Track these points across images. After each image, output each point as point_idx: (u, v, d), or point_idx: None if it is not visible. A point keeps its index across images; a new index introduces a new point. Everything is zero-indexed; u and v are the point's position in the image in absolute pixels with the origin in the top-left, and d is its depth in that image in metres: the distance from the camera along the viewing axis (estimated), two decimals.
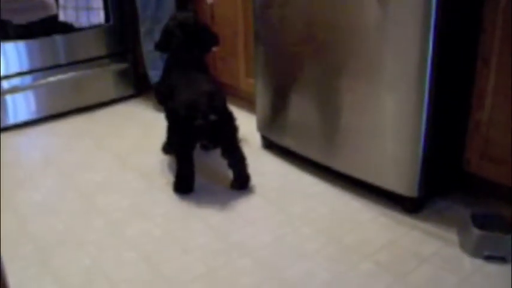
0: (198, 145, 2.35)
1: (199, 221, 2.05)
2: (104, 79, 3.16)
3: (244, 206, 2.14)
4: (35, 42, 2.88)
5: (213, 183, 2.32)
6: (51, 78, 2.97)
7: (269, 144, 2.60)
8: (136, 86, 3.30)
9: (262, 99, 2.51)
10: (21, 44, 2.83)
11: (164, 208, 2.15)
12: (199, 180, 2.29)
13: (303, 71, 2.22)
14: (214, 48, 2.91)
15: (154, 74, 3.01)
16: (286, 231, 1.97)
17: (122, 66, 3.20)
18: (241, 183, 2.25)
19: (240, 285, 1.71)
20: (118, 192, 2.28)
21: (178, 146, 2.24)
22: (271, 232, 1.98)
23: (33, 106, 2.96)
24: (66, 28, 2.93)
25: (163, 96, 2.37)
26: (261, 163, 2.47)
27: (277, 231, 1.98)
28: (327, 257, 1.83)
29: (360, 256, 1.83)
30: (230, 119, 2.20)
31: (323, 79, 2.14)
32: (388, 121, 1.97)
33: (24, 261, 1.86)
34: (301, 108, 2.29)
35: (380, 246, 1.88)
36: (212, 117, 2.08)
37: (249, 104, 3.00)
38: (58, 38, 2.94)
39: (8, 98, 2.86)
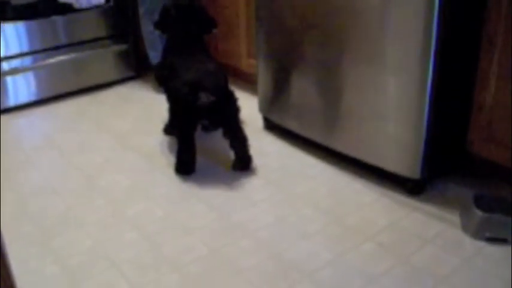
0: (199, 126, 2.34)
1: (201, 202, 2.05)
2: (104, 60, 3.14)
3: (246, 187, 2.13)
4: (34, 23, 2.85)
5: (215, 164, 2.31)
6: (51, 60, 2.95)
7: (271, 126, 2.58)
8: (137, 67, 3.28)
9: (264, 80, 2.49)
10: (20, 25, 2.81)
11: (165, 189, 2.15)
12: (200, 161, 2.28)
13: (305, 52, 2.20)
14: (213, 30, 2.89)
15: (154, 56, 2.99)
16: (288, 212, 1.97)
17: (122, 47, 3.18)
18: (243, 164, 2.24)
19: (242, 266, 1.71)
20: (119, 172, 2.28)
21: (180, 127, 2.23)
22: (272, 213, 1.97)
23: (33, 88, 2.94)
24: (66, 9, 2.90)
25: (163, 77, 2.35)
26: (262, 144, 2.46)
27: (278, 212, 1.97)
28: (328, 237, 1.83)
29: (362, 237, 1.82)
30: (232, 100, 2.18)
31: (325, 60, 2.12)
32: (391, 102, 1.95)
33: (25, 241, 1.86)
34: (303, 89, 2.27)
35: (382, 227, 1.87)
36: (213, 97, 2.07)
37: (250, 85, 2.99)
38: (58, 19, 2.92)
39: (8, 79, 2.85)
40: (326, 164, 2.27)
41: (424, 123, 1.90)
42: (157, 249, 1.80)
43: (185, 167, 2.23)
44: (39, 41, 2.89)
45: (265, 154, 2.37)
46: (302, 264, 1.71)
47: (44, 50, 2.93)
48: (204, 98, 2.05)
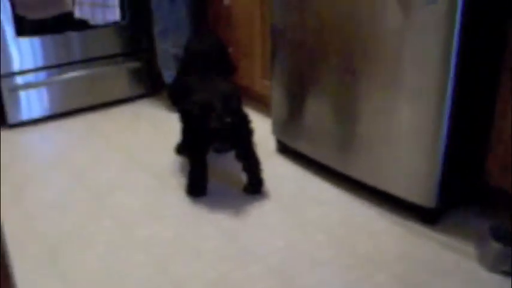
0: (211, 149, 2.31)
1: (211, 225, 2.01)
2: (118, 77, 3.13)
3: (257, 211, 2.10)
4: (49, 38, 2.85)
5: (226, 186, 2.28)
6: (65, 75, 2.95)
7: (284, 148, 2.55)
8: (150, 85, 3.27)
9: (277, 102, 2.47)
10: (35, 40, 2.81)
11: (175, 210, 2.12)
12: (211, 182, 2.25)
13: (321, 74, 2.17)
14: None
15: (168, 74, 2.98)
16: (299, 238, 1.93)
17: (136, 64, 3.17)
18: (255, 187, 2.21)
19: None
20: (129, 192, 2.25)
21: (192, 148, 2.20)
22: (283, 238, 1.93)
23: (45, 103, 2.94)
24: (81, 25, 2.90)
25: (177, 96, 2.34)
26: (274, 167, 2.43)
27: (289, 237, 1.93)
28: (340, 266, 1.79)
29: (375, 266, 1.78)
30: (245, 122, 2.15)
31: (341, 84, 2.10)
32: (407, 129, 1.92)
33: (32, 261, 1.84)
34: (317, 112, 2.24)
35: (395, 257, 1.83)
36: (227, 119, 2.04)
37: (263, 107, 2.96)
38: (73, 35, 2.92)
39: (22, 93, 2.85)
40: (339, 190, 2.23)
41: (441, 151, 1.86)
42: (165, 273, 1.77)
43: (196, 189, 2.20)
44: (54, 56, 2.90)
45: (277, 177, 2.34)
46: None
47: (58, 66, 2.92)
48: (217, 120, 2.02)
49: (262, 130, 2.67)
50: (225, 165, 2.43)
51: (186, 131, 2.28)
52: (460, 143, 1.92)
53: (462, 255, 1.83)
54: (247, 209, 2.11)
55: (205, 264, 1.80)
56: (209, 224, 2.02)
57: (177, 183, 2.30)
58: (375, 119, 2.01)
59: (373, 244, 1.89)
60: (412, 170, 1.94)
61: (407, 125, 1.91)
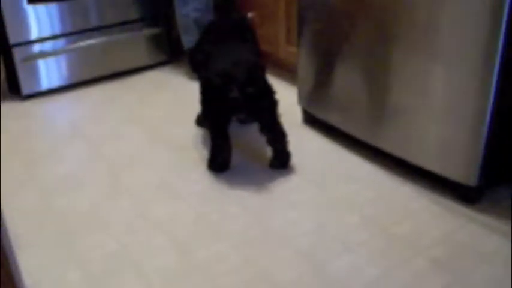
0: (234, 119, 2.18)
1: (235, 204, 1.89)
2: (136, 44, 2.99)
3: (284, 188, 1.97)
4: (63, 5, 2.71)
5: (251, 161, 2.15)
6: (81, 43, 2.82)
7: (311, 119, 2.40)
8: (170, 52, 3.13)
9: (304, 70, 2.30)
10: (48, 7, 2.68)
11: (197, 187, 2.00)
12: (235, 157, 2.13)
13: (353, 40, 2.00)
14: (250, 14, 2.73)
15: (188, 40, 2.84)
16: (329, 219, 1.80)
17: (155, 31, 3.02)
18: (281, 162, 2.07)
19: (280, 280, 1.56)
20: (148, 168, 2.14)
21: (213, 120, 2.06)
22: (312, 219, 1.80)
23: (61, 72, 2.82)
24: None
25: (197, 64, 2.19)
26: (301, 140, 2.29)
27: (319, 218, 1.80)
28: (374, 249, 1.66)
29: (412, 250, 1.65)
30: (269, 92, 2.00)
31: (375, 50, 1.93)
32: (447, 101, 1.75)
33: (47, 243, 1.74)
34: (348, 81, 2.08)
35: (434, 239, 1.69)
36: (249, 89, 1.89)
37: (289, 74, 2.81)
38: (89, 1, 2.77)
39: (36, 63, 2.73)
40: (371, 165, 2.09)
41: (485, 124, 1.70)
42: (187, 257, 1.66)
43: (219, 163, 2.07)
44: (71, 23, 2.77)
45: (305, 151, 2.20)
46: (344, 280, 1.54)
47: (74, 34, 2.80)
48: (238, 91, 1.88)
49: (288, 100, 2.52)
50: (249, 139, 2.30)
51: (206, 101, 2.13)
52: (507, 116, 1.75)
53: (506, 237, 1.68)
54: (273, 186, 1.98)
55: (229, 248, 1.69)
56: (233, 203, 1.90)
57: (198, 157, 2.18)
58: (410, 89, 1.84)
59: (409, 225, 1.75)
60: (452, 145, 1.78)
61: (447, 96, 1.75)
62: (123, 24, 2.91)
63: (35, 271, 1.62)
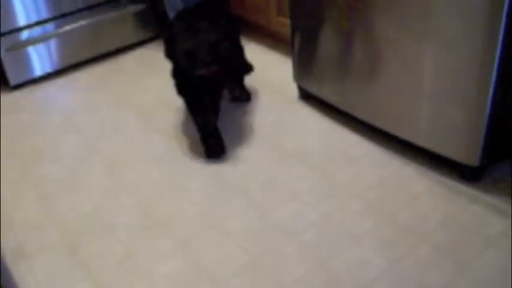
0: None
1: (237, 196, 1.88)
2: (122, 22, 2.90)
3: (286, 175, 1.95)
4: None
5: (249, 147, 2.13)
6: (66, 27, 2.73)
7: (307, 95, 2.36)
8: (157, 27, 3.03)
9: (299, 44, 2.23)
10: None
11: (197, 181, 1.98)
12: (233, 144, 2.10)
13: (351, 12, 1.92)
14: None
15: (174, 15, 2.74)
16: (333, 208, 1.79)
17: (140, 7, 2.92)
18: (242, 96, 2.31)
19: (287, 278, 1.56)
20: (146, 162, 2.11)
21: (187, 98, 2.08)
22: (315, 209, 1.80)
23: (50, 58, 2.75)
24: None
25: (167, 39, 2.17)
26: (298, 119, 2.25)
27: (322, 207, 1.80)
28: (380, 240, 1.66)
29: (417, 238, 1.65)
30: (239, 66, 2.16)
31: (374, 27, 1.86)
32: (448, 80, 1.71)
33: (50, 251, 1.74)
34: (346, 57, 2.02)
35: (438, 224, 1.69)
36: (213, 67, 1.95)
37: (283, 46, 2.74)
38: None
39: (21, 52, 2.66)
40: (371, 144, 2.06)
41: (488, 105, 1.66)
42: (193, 258, 1.66)
43: (215, 148, 2.06)
44: (50, 8, 2.66)
45: (303, 132, 2.17)
46: (354, 274, 1.55)
47: (60, 17, 2.70)
48: (201, 68, 1.95)
49: (282, 73, 2.47)
50: (247, 123, 2.26)
51: (178, 81, 2.12)
52: (509, 93, 1.71)
53: (509, 218, 1.68)
54: (274, 173, 1.96)
55: (234, 246, 1.69)
56: (235, 195, 1.89)
57: (196, 146, 2.15)
58: (411, 67, 1.80)
59: (412, 210, 1.75)
60: (454, 125, 1.75)
61: (449, 75, 1.70)
62: (107, 3, 2.81)
63: (43, 282, 1.62)
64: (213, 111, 2.10)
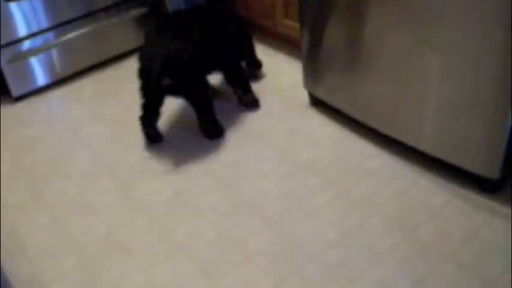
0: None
1: (255, 216, 1.85)
2: (124, 27, 2.84)
3: (302, 189, 1.92)
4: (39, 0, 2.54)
5: (261, 160, 2.10)
6: (68, 35, 2.68)
7: (318, 101, 2.32)
8: None
9: (309, 50, 2.18)
10: (25, 4, 2.50)
11: (213, 198, 1.94)
12: (245, 157, 2.07)
13: (362, 19, 1.87)
14: None
15: None
16: (352, 225, 1.77)
17: (141, 10, 2.86)
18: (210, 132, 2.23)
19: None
20: (158, 178, 2.07)
21: (144, 100, 2.16)
22: (335, 226, 1.77)
23: (52, 68, 2.70)
24: None
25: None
26: (310, 127, 2.22)
27: (341, 225, 1.77)
28: (402, 257, 1.64)
29: (440, 255, 1.63)
30: (196, 81, 2.09)
31: (388, 32, 1.80)
32: (468, 92, 1.67)
33: (69, 278, 1.71)
34: (358, 64, 1.97)
35: (460, 240, 1.67)
36: (166, 81, 1.99)
37: (291, 47, 2.68)
38: None
39: (23, 63, 2.61)
40: (386, 154, 2.03)
41: (509, 116, 1.63)
42: (216, 283, 1.63)
43: (151, 136, 2.23)
44: (50, 18, 2.60)
45: (315, 141, 2.14)
46: None
47: (60, 26, 2.64)
48: (155, 82, 1.99)
49: (292, 76, 2.43)
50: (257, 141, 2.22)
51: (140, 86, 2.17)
52: None
53: None
54: (290, 187, 1.93)
55: (256, 270, 1.67)
56: (253, 215, 1.86)
57: (213, 162, 2.12)
58: (426, 76, 1.76)
59: (433, 225, 1.73)
60: (473, 136, 1.72)
61: (467, 87, 1.67)
62: (108, 8, 2.75)
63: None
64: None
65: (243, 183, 1.99)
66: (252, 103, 2.37)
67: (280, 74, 2.57)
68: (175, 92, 2.11)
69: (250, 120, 2.30)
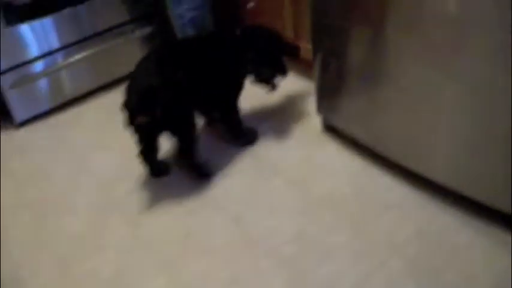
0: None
1: (269, 257, 1.76)
2: (129, 48, 2.75)
3: (316, 227, 1.83)
4: (42, 23, 2.45)
5: (272, 194, 2.01)
6: (71, 59, 2.59)
7: (332, 128, 2.23)
8: None
9: (322, 74, 2.08)
10: (26, 27, 2.41)
11: (220, 238, 1.86)
12: (256, 192, 1.99)
13: (382, 45, 1.77)
14: (250, 4, 2.52)
15: None
16: (371, 267, 1.68)
17: (147, 30, 2.78)
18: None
19: None
20: (168, 212, 1.99)
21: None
22: (354, 267, 1.68)
23: (55, 91, 2.62)
24: None
25: None
26: (324, 157, 2.13)
27: (361, 267, 1.68)
28: None
29: None
30: (180, 114, 1.93)
31: (409, 62, 1.70)
32: (490, 127, 1.59)
33: None
34: (376, 93, 1.87)
35: (487, 284, 1.58)
36: (141, 119, 1.82)
37: (304, 67, 2.58)
38: (68, 12, 2.51)
39: (27, 87, 2.52)
40: (405, 188, 1.94)
41: None
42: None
43: (153, 173, 2.12)
44: (53, 40, 2.52)
45: (330, 173, 2.05)
46: None
47: (64, 48, 2.56)
48: (131, 120, 1.86)
49: (304, 99, 2.33)
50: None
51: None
52: None
53: None
54: (306, 224, 1.84)
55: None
56: (267, 256, 1.77)
57: (220, 197, 2.03)
58: (446, 108, 1.66)
59: (458, 267, 1.64)
60: (497, 172, 1.63)
61: (487, 120, 1.58)
62: (112, 29, 2.67)
63: None
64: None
65: (254, 220, 1.90)
66: (243, 145, 2.23)
67: (290, 95, 2.49)
68: (155, 131, 1.97)
69: (258, 147, 2.21)
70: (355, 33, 1.85)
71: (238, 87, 2.15)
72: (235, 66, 2.11)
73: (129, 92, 1.91)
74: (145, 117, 1.83)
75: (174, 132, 1.95)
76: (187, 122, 1.97)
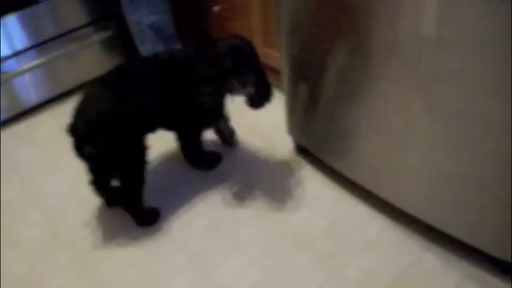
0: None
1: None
2: (88, 53, 2.52)
3: (287, 270, 1.65)
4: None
5: (238, 227, 1.82)
6: (22, 67, 2.35)
7: (303, 149, 2.04)
8: (127, 54, 2.65)
9: (293, 89, 1.88)
10: None
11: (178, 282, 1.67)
12: (222, 224, 1.80)
13: (356, 65, 1.57)
14: (215, 8, 2.31)
15: (145, 49, 2.39)
16: None
17: (106, 34, 2.54)
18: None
19: None
20: (125, 252, 1.79)
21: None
22: None
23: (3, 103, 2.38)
24: (25, 2, 2.25)
25: None
26: (298, 183, 1.94)
27: None
28: None
29: None
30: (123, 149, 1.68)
31: (392, 91, 1.51)
32: (479, 167, 1.42)
33: None
34: (354, 118, 1.68)
35: None
36: (87, 149, 1.63)
37: (275, 77, 2.37)
38: (14, 18, 2.26)
39: None
40: (385, 221, 1.77)
41: None
42: None
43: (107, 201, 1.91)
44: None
45: (304, 203, 1.86)
46: None
47: (18, 53, 2.33)
48: (77, 150, 1.67)
49: (274, 114, 2.09)
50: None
51: None
52: None
53: None
54: (272, 266, 1.66)
55: None
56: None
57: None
58: (443, 149, 1.48)
59: None
60: (485, 214, 1.48)
61: (476, 159, 1.41)
62: (69, 33, 2.43)
63: None
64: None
65: (217, 262, 1.71)
66: (204, 170, 2.04)
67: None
68: (103, 163, 1.73)
69: (223, 171, 2.01)
70: (326, 54, 1.65)
71: (212, 114, 1.90)
72: (208, 93, 1.74)
73: (77, 116, 1.69)
74: (91, 149, 1.63)
75: (120, 170, 1.73)
76: (138, 159, 1.74)
